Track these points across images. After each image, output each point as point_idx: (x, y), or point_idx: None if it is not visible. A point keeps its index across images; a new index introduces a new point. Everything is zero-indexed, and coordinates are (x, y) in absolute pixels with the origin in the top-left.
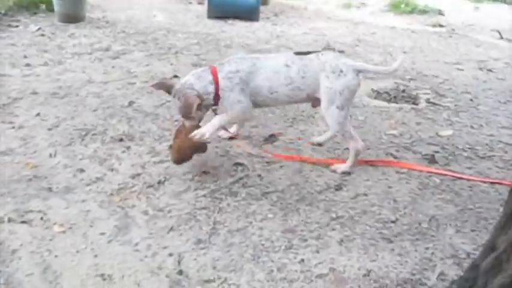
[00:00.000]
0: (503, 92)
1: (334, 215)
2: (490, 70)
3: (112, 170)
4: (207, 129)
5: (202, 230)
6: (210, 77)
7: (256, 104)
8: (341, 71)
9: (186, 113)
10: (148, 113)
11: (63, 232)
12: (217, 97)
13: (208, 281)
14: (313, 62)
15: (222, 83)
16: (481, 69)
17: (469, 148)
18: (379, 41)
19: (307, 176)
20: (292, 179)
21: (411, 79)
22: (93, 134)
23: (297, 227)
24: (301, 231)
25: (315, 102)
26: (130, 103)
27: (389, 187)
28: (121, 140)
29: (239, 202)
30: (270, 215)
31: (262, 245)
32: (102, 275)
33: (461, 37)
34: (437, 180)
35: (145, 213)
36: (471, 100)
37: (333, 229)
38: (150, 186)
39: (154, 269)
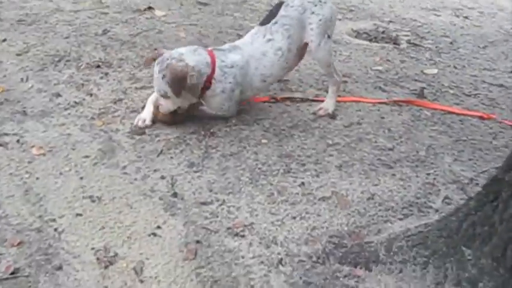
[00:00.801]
0: (480, 38)
1: (330, 142)
2: (466, 17)
3: (91, 95)
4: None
5: (194, 154)
6: (208, 58)
7: (243, 98)
8: (320, 1)
9: (176, 88)
10: (125, 41)
11: (43, 155)
12: (207, 85)
13: (205, 203)
14: (290, 13)
15: (218, 75)
16: (457, 16)
17: (454, 86)
18: None
19: (298, 105)
20: (283, 107)
21: (390, 21)
22: (67, 60)
23: (293, 152)
24: (298, 156)
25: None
26: (105, 31)
27: (382, 117)
28: (98, 66)
29: (230, 128)
30: (264, 140)
31: (259, 168)
32: (90, 197)
33: None
34: (428, 114)
35: (131, 137)
36: (451, 43)
37: (331, 155)
38: (134, 111)
39: (147, 191)
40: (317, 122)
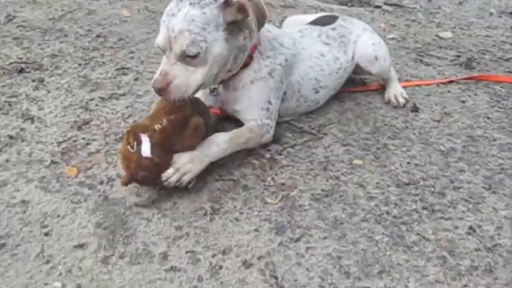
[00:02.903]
0: None
1: (442, 148)
2: None
3: (31, 119)
4: (183, 167)
5: (270, 205)
6: None
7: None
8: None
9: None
10: (46, 29)
11: None
12: (246, 61)
13: None
14: (349, 27)
15: (265, 48)
16: None
17: (485, 50)
18: None
19: (354, 97)
20: (336, 103)
21: None
22: None
23: (416, 177)
24: (425, 182)
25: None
26: (9, 18)
27: (463, 101)
28: (21, 70)
29: (293, 147)
30: (356, 161)
31: (398, 218)
32: None
33: None
34: (502, 89)
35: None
36: (429, 1)
37: (461, 170)
38: (120, 139)
39: None
40: (397, 120)
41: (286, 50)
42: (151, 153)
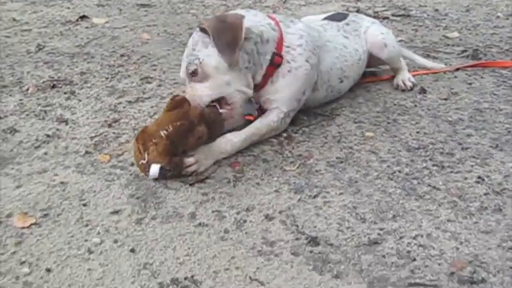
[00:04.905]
0: (453, 4)
1: (449, 119)
2: None
3: (65, 122)
4: (201, 160)
5: (292, 176)
6: (270, 21)
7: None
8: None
9: (228, 43)
10: (74, 53)
11: (36, 225)
12: (276, 60)
13: (375, 241)
14: (360, 21)
15: (292, 39)
16: None
17: (492, 45)
18: None
19: (365, 85)
20: (352, 92)
21: (357, 0)
22: (3, 86)
23: (425, 142)
24: (439, 148)
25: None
26: (39, 47)
27: (470, 83)
28: (53, 86)
29: (308, 125)
30: (368, 134)
31: (408, 174)
32: None
33: None
34: (508, 72)
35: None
36: (436, 10)
37: (469, 135)
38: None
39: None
40: (406, 101)
41: (313, 38)
42: (160, 174)
